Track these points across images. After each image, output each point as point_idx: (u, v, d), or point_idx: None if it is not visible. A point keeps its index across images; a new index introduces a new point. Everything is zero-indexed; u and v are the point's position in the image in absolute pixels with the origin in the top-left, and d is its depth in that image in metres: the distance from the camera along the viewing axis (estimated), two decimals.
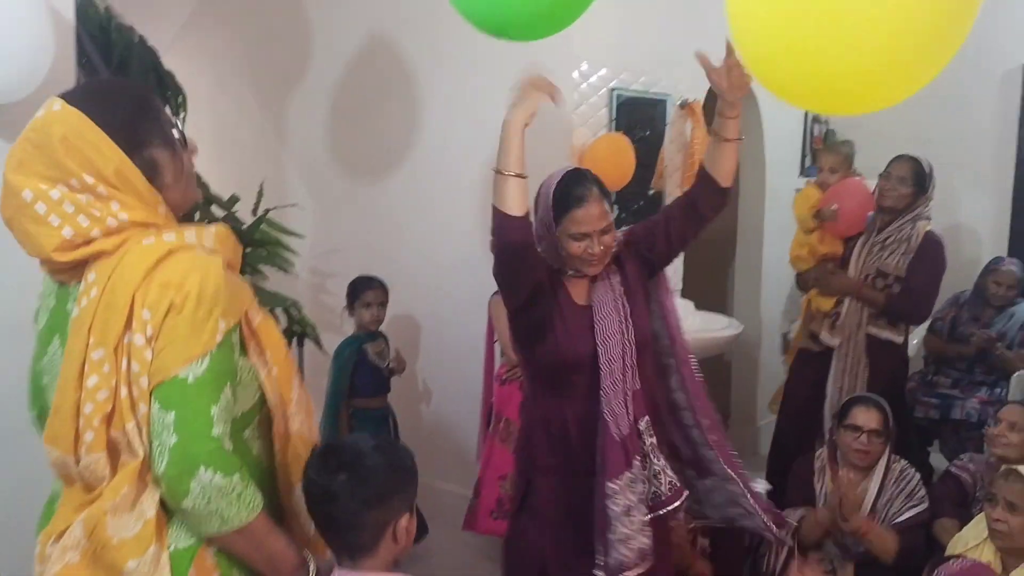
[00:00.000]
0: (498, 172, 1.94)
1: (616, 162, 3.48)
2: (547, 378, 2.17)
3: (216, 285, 1.31)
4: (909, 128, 4.76)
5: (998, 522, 2.36)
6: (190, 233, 1.37)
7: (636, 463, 2.07)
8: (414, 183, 4.00)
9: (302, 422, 1.49)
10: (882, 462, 2.93)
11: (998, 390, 4.06)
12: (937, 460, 4.09)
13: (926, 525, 2.88)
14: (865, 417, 2.91)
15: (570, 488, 2.14)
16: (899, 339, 3.56)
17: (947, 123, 4.86)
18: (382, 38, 4.00)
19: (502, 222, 1.97)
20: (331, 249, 4.29)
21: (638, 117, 3.86)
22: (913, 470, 2.96)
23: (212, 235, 1.41)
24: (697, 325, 3.71)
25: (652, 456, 2.12)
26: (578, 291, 2.19)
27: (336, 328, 3.88)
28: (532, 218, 2.07)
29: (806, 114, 5.03)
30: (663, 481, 2.13)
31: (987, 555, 2.43)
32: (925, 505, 2.88)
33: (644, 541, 2.03)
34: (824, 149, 3.78)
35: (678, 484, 2.16)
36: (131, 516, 1.29)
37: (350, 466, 1.41)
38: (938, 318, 4.33)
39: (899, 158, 3.53)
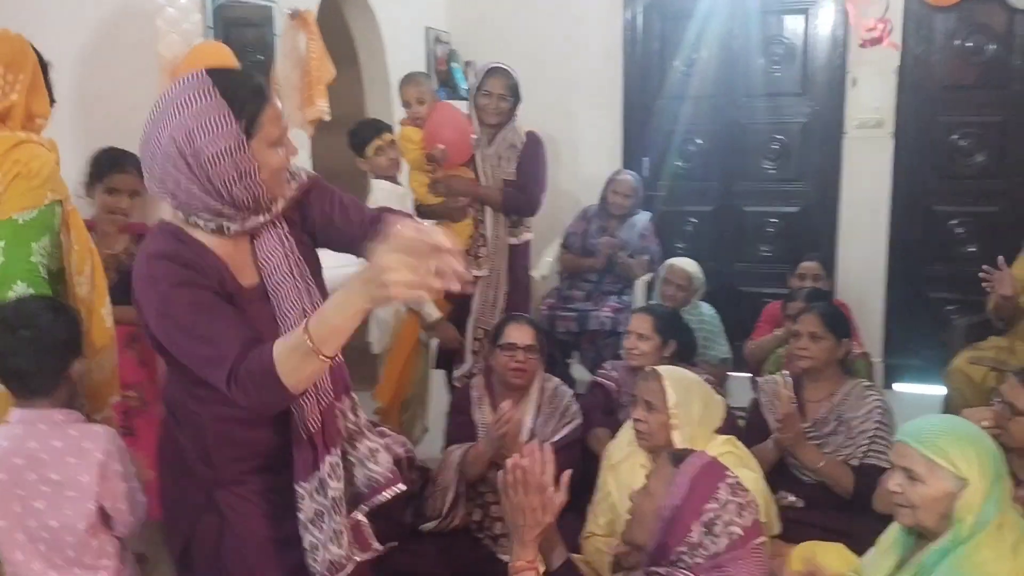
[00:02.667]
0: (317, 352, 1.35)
1: None
2: None
3: (49, 168, 1.94)
4: (526, 46, 4.78)
5: (639, 421, 2.35)
6: (34, 136, 1.98)
7: (327, 462, 1.64)
8: None
9: (88, 292, 2.03)
10: (538, 382, 2.83)
11: (626, 297, 4.26)
12: (578, 372, 4.21)
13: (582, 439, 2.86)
14: (519, 334, 2.78)
15: (268, 491, 1.67)
16: (531, 235, 3.67)
17: (562, 43, 4.94)
18: None
19: (278, 396, 1.41)
20: None
21: (241, 28, 3.34)
22: (565, 386, 2.92)
23: (49, 140, 2.01)
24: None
25: (357, 440, 1.73)
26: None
27: None
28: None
29: (427, 32, 4.82)
30: (379, 461, 1.76)
31: (641, 458, 2.41)
32: (579, 420, 2.85)
33: (335, 551, 1.64)
34: (405, 81, 3.57)
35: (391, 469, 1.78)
36: None
37: (28, 323, 1.76)
38: (571, 233, 4.43)
39: (493, 73, 3.49)
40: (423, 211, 3.56)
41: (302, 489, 1.62)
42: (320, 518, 1.64)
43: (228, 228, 1.54)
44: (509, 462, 1.73)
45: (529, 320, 2.90)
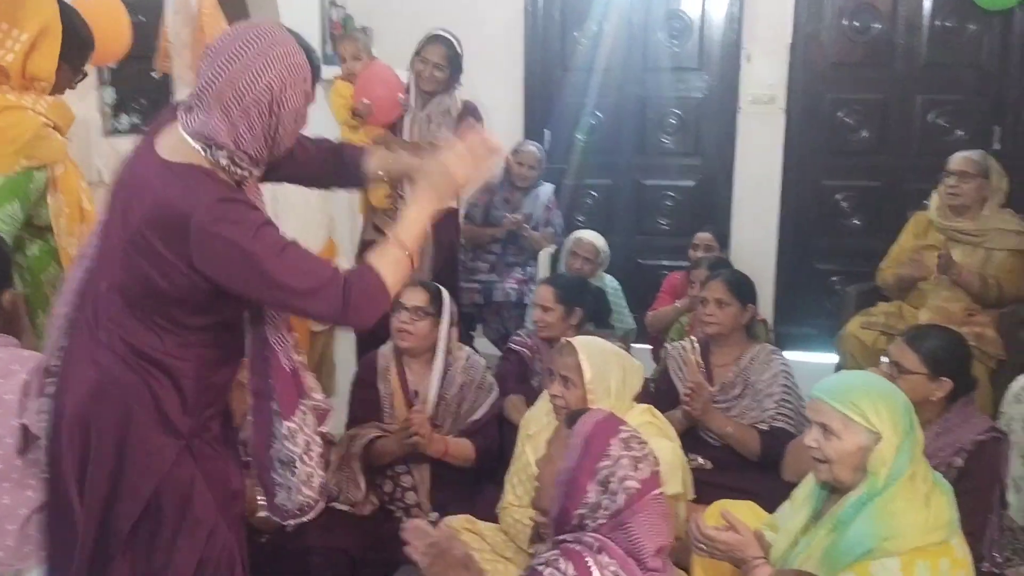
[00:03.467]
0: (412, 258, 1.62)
1: (103, 27, 2.71)
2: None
3: (29, 135, 2.00)
4: (424, 13, 4.66)
5: (556, 397, 2.32)
6: (28, 99, 2.04)
7: (313, 392, 1.77)
8: None
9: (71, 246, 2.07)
10: (441, 350, 2.73)
11: (530, 269, 4.24)
12: (483, 345, 4.16)
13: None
14: (408, 295, 2.68)
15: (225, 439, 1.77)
16: (454, 203, 3.65)
17: (462, 12, 4.84)
18: None
19: (386, 307, 1.61)
20: None
21: None
22: (477, 355, 2.85)
23: (46, 103, 2.08)
24: None
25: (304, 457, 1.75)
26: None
27: None
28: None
29: None
30: (313, 486, 1.77)
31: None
32: (496, 392, 2.80)
33: (322, 474, 1.77)
34: (343, 38, 3.55)
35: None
36: None
37: None
38: (472, 205, 4.36)
39: (433, 41, 3.48)
40: None
41: (293, 423, 1.69)
42: (309, 448, 1.72)
43: (251, 173, 1.60)
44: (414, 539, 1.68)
45: (426, 283, 2.80)
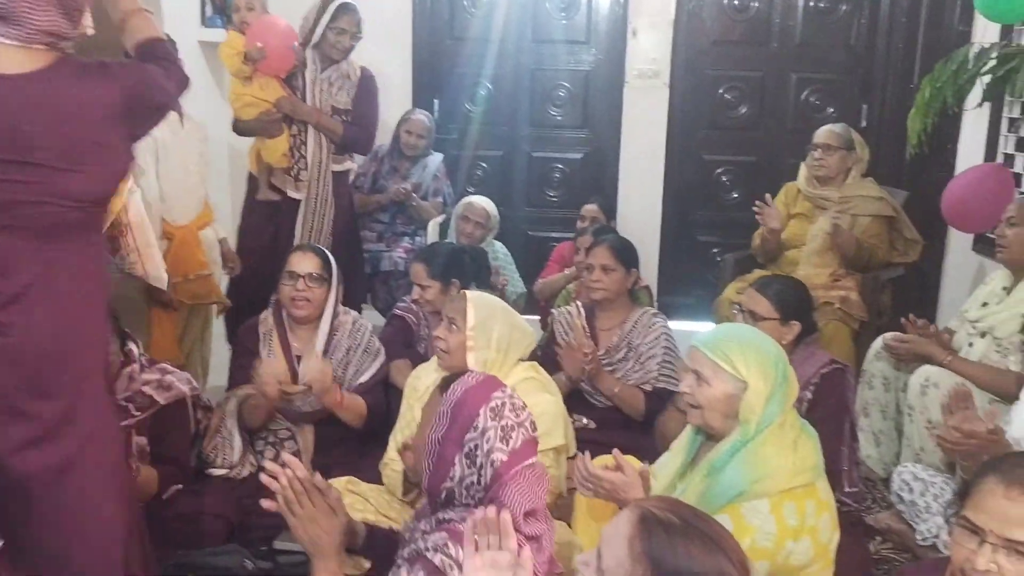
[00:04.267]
0: None
1: None
2: None
3: None
4: None
5: (439, 339, 2.35)
6: None
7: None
8: None
9: None
10: (327, 314, 2.70)
11: (419, 239, 4.21)
12: (373, 318, 4.11)
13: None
14: (302, 262, 2.65)
15: None
16: (353, 165, 3.77)
17: None
18: None
19: None
20: None
21: None
22: (365, 320, 2.84)
23: None
24: None
25: None
26: None
27: None
28: None
29: None
30: None
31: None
32: (383, 356, 2.79)
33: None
34: None
35: None
36: None
37: None
38: (360, 174, 4.29)
39: (345, 10, 3.53)
40: (239, 127, 3.58)
41: None
42: None
43: None
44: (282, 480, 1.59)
45: (316, 248, 2.76)
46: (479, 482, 1.48)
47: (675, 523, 1.12)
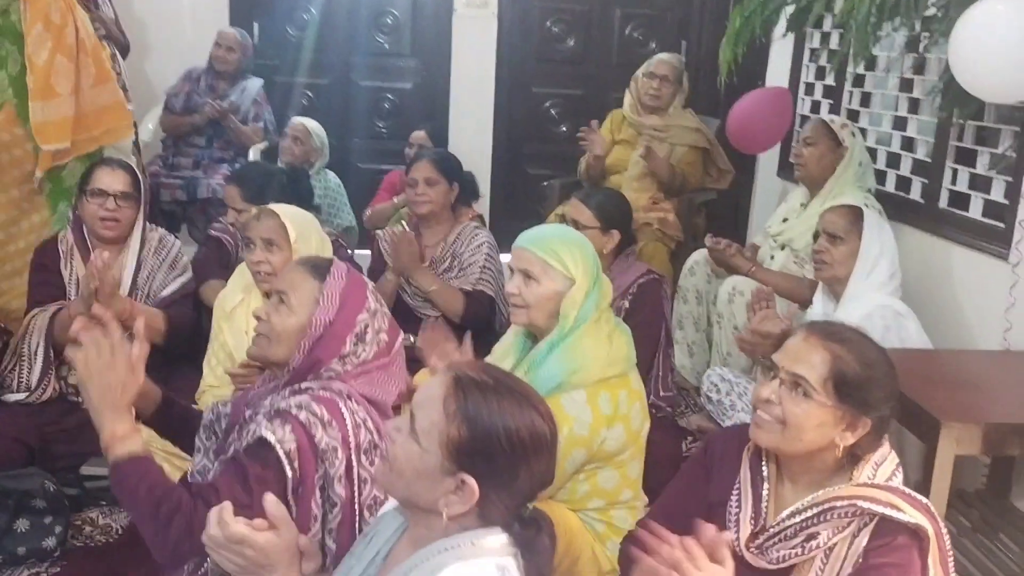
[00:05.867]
0: None
1: None
2: None
3: None
4: None
5: (259, 263, 2.26)
6: None
7: None
8: None
9: None
10: (136, 232, 2.55)
11: (237, 165, 4.02)
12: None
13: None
14: (111, 179, 2.48)
15: None
16: None
17: None
18: None
19: None
20: None
21: None
22: (173, 238, 2.69)
23: None
24: None
25: None
26: None
27: None
28: None
29: None
30: None
31: (256, 301, 2.30)
32: (190, 273, 2.67)
33: None
34: None
35: None
36: None
37: None
38: (172, 95, 4.05)
39: None
40: None
41: None
42: None
43: None
44: (75, 325, 1.48)
45: (124, 164, 2.59)
46: (362, 357, 1.53)
47: (488, 382, 1.13)
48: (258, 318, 1.58)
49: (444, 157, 3.00)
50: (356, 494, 1.42)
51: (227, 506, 1.16)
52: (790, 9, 3.36)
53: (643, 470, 2.05)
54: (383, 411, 1.54)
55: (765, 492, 1.47)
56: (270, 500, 1.19)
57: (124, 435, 1.39)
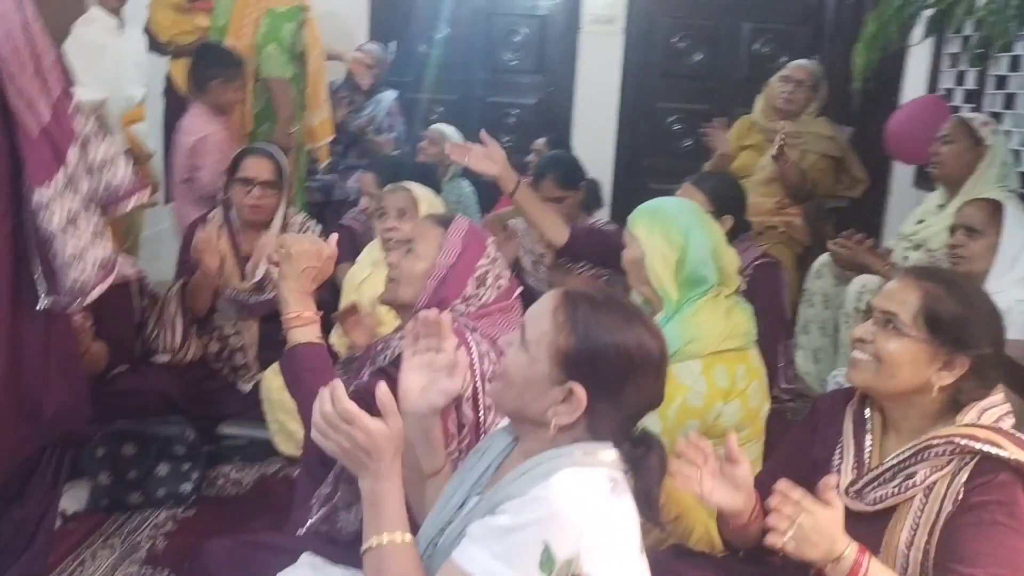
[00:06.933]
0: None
1: None
2: None
3: None
4: None
5: (391, 230, 2.40)
6: None
7: (72, 153, 1.58)
8: None
9: None
10: (279, 217, 2.71)
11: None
12: None
13: None
14: (257, 167, 2.65)
15: None
16: None
17: None
18: None
19: None
20: None
21: None
22: (313, 222, 2.87)
23: None
24: None
25: (96, 137, 1.64)
26: None
27: None
28: None
29: None
30: (119, 166, 1.68)
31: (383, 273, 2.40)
32: None
33: (106, 250, 1.65)
34: None
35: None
36: None
37: None
38: None
39: None
40: (172, 50, 3.80)
41: (43, 196, 1.53)
42: (76, 221, 1.58)
43: None
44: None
45: (268, 152, 2.75)
46: (483, 299, 1.63)
47: (597, 297, 1.15)
48: (389, 266, 1.69)
49: (566, 171, 3.04)
50: (482, 419, 1.49)
51: (339, 383, 1.18)
52: (928, 13, 3.26)
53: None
54: (500, 351, 1.58)
55: (868, 442, 1.44)
56: (382, 389, 1.21)
57: (306, 321, 1.57)
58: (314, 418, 1.15)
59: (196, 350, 2.54)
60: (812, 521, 1.25)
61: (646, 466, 1.14)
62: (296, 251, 1.59)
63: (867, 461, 1.42)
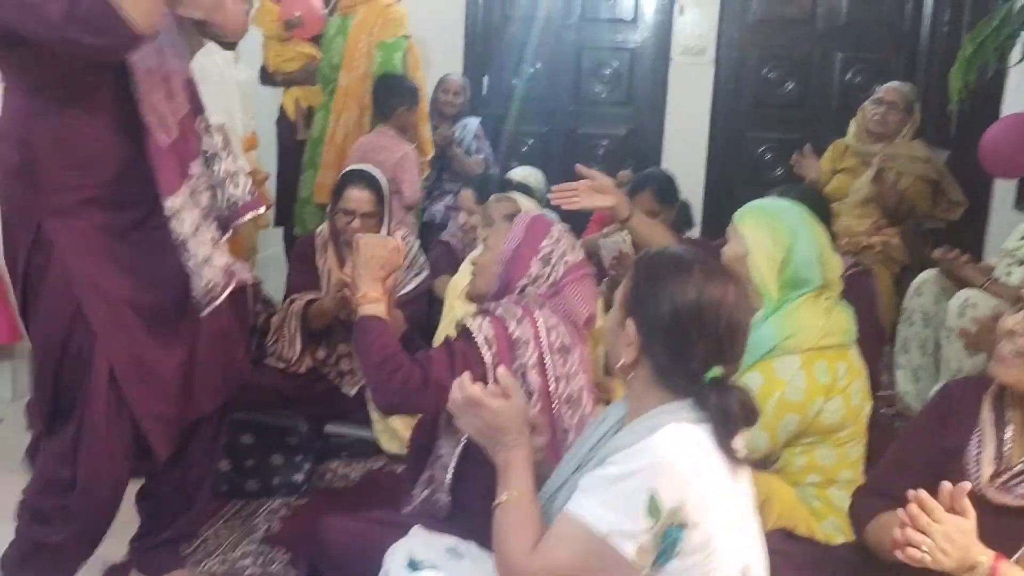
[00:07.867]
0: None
1: None
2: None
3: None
4: None
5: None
6: None
7: (195, 167, 1.76)
8: None
9: None
10: (383, 233, 2.83)
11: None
12: None
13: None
14: (358, 199, 2.74)
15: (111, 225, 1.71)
16: None
17: None
18: None
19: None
20: None
21: None
22: (413, 238, 2.97)
23: None
24: None
25: (222, 154, 1.81)
26: None
27: None
28: None
29: None
30: (239, 183, 1.86)
31: None
32: (427, 271, 2.92)
33: (225, 257, 1.84)
34: None
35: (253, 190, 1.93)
36: None
37: None
38: None
39: None
40: (279, 79, 4.12)
41: (173, 203, 1.67)
42: (199, 230, 1.73)
43: None
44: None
45: (369, 178, 2.80)
46: (552, 279, 1.77)
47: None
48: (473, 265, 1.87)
49: (662, 189, 3.10)
50: (551, 388, 1.64)
51: (466, 375, 1.33)
52: None
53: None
54: (576, 325, 1.75)
55: (1009, 435, 1.41)
56: (502, 371, 1.38)
57: (374, 299, 1.72)
58: (449, 403, 1.32)
59: (309, 362, 2.67)
60: (945, 531, 1.22)
61: (726, 411, 1.17)
62: (364, 243, 1.77)
63: (1007, 454, 1.41)
